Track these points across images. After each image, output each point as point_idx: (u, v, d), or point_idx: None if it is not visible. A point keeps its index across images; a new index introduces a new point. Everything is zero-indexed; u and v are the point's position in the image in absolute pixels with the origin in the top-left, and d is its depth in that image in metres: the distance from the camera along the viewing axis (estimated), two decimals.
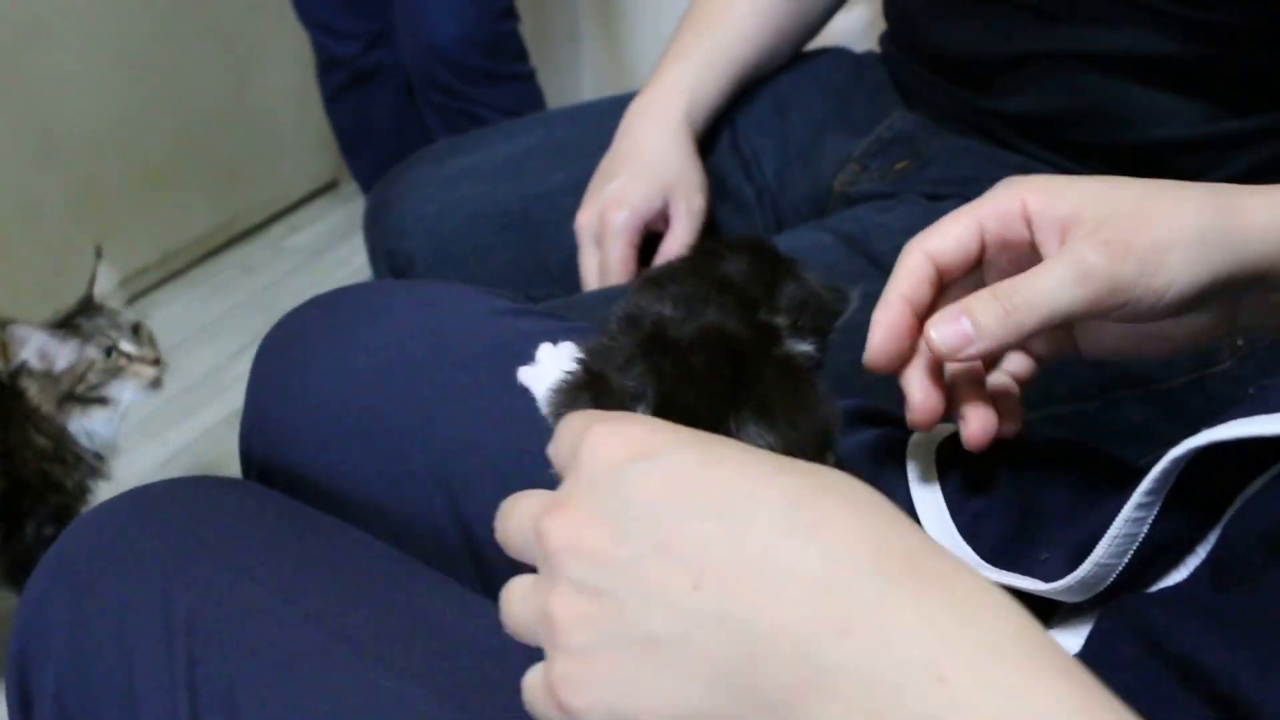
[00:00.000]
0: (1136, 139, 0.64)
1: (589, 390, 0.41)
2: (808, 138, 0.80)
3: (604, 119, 0.81)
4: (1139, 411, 0.62)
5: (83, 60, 1.65)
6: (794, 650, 0.25)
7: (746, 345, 0.42)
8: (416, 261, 0.82)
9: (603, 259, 0.74)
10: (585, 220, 0.75)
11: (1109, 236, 0.37)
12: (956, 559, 0.27)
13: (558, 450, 0.33)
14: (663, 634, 0.27)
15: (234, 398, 1.56)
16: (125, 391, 1.03)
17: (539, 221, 0.81)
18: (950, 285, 0.42)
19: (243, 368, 0.59)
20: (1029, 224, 0.39)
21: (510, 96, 1.60)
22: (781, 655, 0.25)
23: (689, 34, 0.80)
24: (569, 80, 2.12)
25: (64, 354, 1.00)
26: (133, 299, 1.81)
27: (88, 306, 1.04)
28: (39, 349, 0.99)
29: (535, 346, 0.51)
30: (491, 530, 0.49)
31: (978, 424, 0.41)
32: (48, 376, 1.00)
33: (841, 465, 0.42)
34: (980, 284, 0.42)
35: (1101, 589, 0.38)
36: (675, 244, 0.74)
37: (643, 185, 0.73)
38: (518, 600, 0.31)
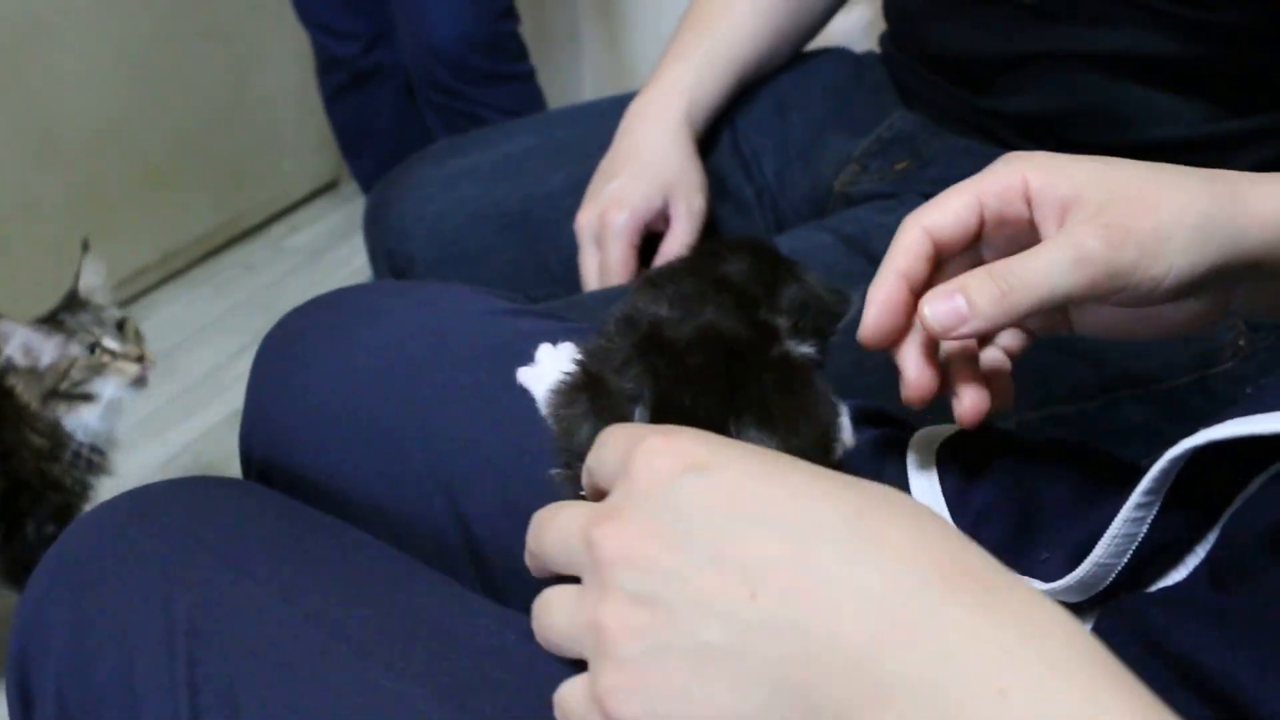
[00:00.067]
0: (1136, 139, 0.64)
1: (587, 391, 0.41)
2: (808, 138, 0.81)
3: (604, 119, 0.81)
4: (1141, 412, 0.62)
5: (83, 60, 1.65)
6: (853, 661, 0.25)
7: (744, 345, 0.42)
8: (417, 262, 0.82)
9: (603, 259, 0.74)
10: (585, 220, 0.75)
11: (1109, 221, 0.37)
12: (1014, 574, 0.27)
13: (601, 461, 0.33)
14: (718, 644, 0.27)
15: (234, 397, 1.56)
16: (108, 388, 1.02)
17: (539, 222, 0.81)
18: (947, 261, 0.41)
19: (243, 367, 0.59)
20: (1029, 203, 0.39)
21: (510, 96, 1.60)
22: (840, 666, 0.25)
23: (689, 34, 0.80)
24: (569, 80, 2.12)
25: (48, 350, 0.99)
26: (133, 298, 1.82)
27: (73, 302, 1.03)
28: (23, 345, 0.99)
29: (535, 347, 0.51)
30: (491, 530, 0.50)
31: (970, 402, 0.41)
32: (32, 373, 0.99)
33: (841, 467, 0.42)
34: (977, 260, 0.42)
35: (1101, 589, 0.38)
36: (675, 244, 0.74)
37: (643, 185, 0.73)
38: (559, 611, 0.31)
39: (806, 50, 0.87)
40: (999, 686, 0.24)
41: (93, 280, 1.05)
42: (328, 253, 2.01)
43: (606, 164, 0.77)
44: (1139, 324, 0.43)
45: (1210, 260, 0.37)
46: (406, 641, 0.40)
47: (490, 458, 0.50)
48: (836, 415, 0.43)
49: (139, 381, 1.04)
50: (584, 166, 0.78)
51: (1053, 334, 0.45)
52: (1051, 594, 0.39)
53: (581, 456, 0.40)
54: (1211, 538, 0.38)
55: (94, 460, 1.05)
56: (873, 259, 0.65)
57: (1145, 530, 0.37)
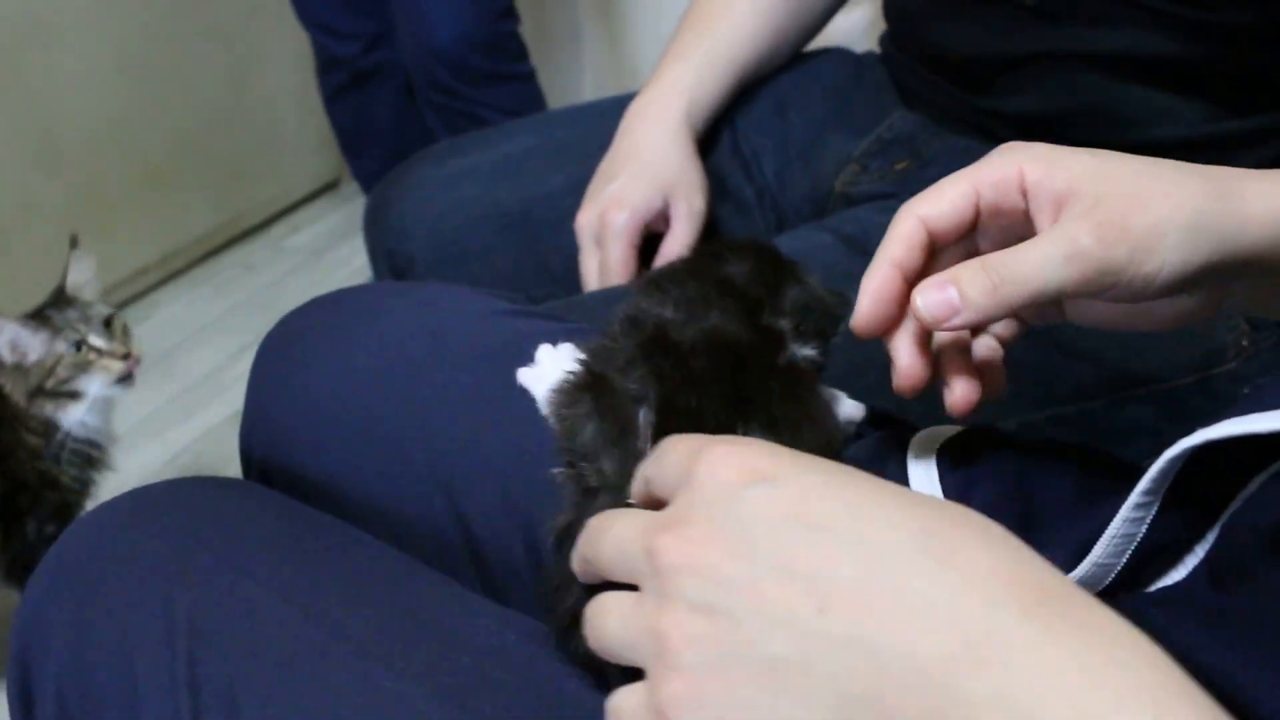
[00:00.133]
0: (1136, 139, 0.64)
1: (590, 391, 0.41)
2: (808, 138, 0.81)
3: (604, 119, 0.81)
4: (1143, 412, 0.61)
5: (83, 61, 1.65)
6: (926, 678, 0.25)
7: (748, 350, 0.42)
8: (417, 262, 0.82)
9: (603, 260, 0.74)
10: (585, 221, 0.75)
11: (1103, 218, 0.36)
12: (1089, 595, 0.26)
13: (662, 471, 0.32)
14: (784, 656, 0.26)
15: (235, 397, 1.56)
16: (94, 385, 1.01)
17: (539, 222, 0.81)
18: (942, 250, 0.41)
19: (244, 367, 0.59)
20: (1025, 195, 0.39)
21: (511, 97, 1.60)
22: (912, 683, 0.25)
23: (689, 34, 0.80)
24: (570, 80, 2.12)
25: (35, 347, 0.99)
26: (134, 298, 1.82)
27: (60, 298, 1.03)
28: (10, 341, 0.98)
29: (535, 347, 0.51)
30: (491, 530, 0.50)
31: (961, 393, 0.41)
32: (19, 370, 0.99)
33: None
34: (973, 249, 0.42)
35: (1100, 589, 0.38)
36: (675, 244, 0.74)
37: (643, 186, 0.73)
38: (615, 617, 0.31)
39: (807, 50, 0.87)
40: (1083, 711, 0.23)
41: (80, 277, 1.04)
42: (328, 252, 2.01)
43: (606, 164, 0.77)
44: (1132, 317, 0.43)
45: (1204, 258, 0.37)
46: (406, 641, 0.40)
47: (490, 458, 0.50)
48: (838, 419, 0.44)
49: (125, 379, 1.03)
50: (584, 167, 0.78)
51: (1045, 323, 0.45)
52: None
53: (583, 456, 0.40)
54: (1211, 538, 0.38)
55: (93, 455, 1.04)
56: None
57: (1144, 530, 0.37)
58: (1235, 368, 0.61)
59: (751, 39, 0.80)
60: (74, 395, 1.01)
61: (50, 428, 1.01)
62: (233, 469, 0.61)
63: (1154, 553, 0.38)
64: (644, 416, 0.40)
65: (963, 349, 0.43)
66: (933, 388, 0.42)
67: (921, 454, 0.47)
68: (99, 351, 1.01)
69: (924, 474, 0.46)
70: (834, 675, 0.26)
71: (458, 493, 0.51)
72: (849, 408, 0.48)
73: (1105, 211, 0.37)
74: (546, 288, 0.80)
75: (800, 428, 0.40)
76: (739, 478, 0.29)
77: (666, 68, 0.79)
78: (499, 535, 0.50)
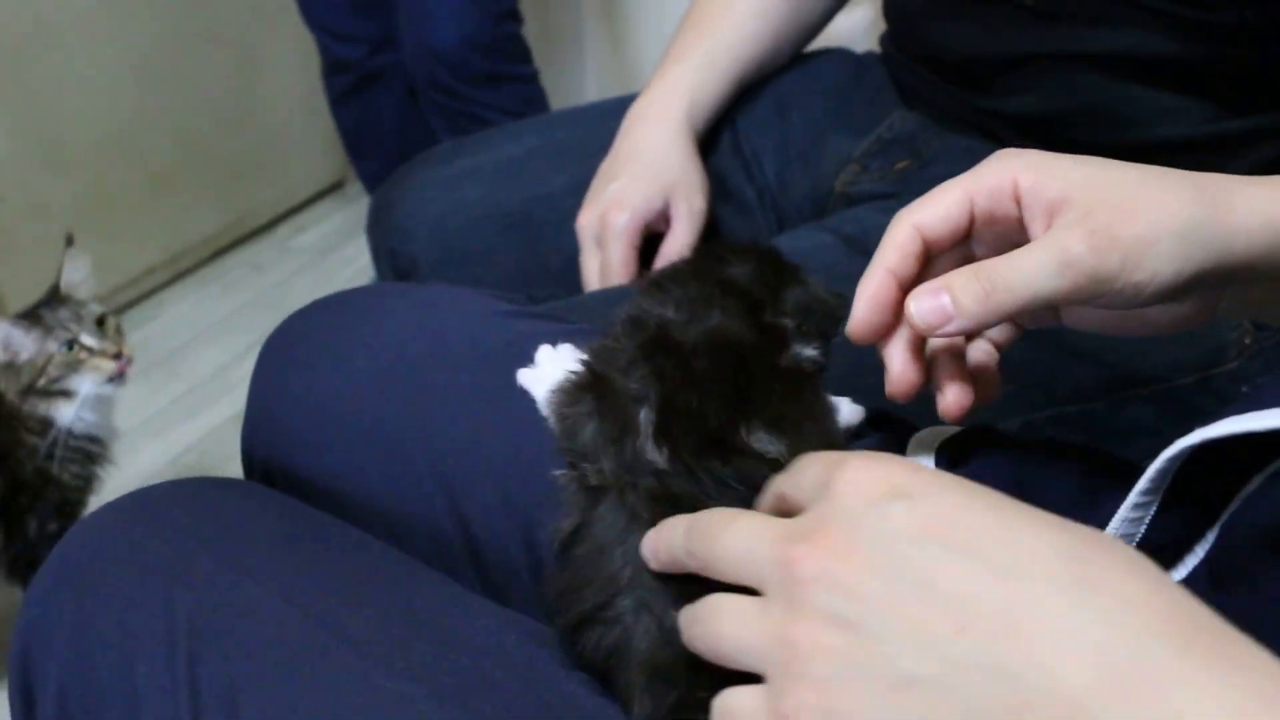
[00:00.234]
0: (1137, 139, 0.64)
1: (591, 391, 0.41)
2: (808, 138, 0.80)
3: (605, 120, 0.81)
4: (1145, 412, 0.61)
5: (90, 65, 1.66)
6: (1070, 710, 0.24)
7: (750, 350, 0.42)
8: (419, 263, 0.82)
9: (604, 260, 0.74)
10: (586, 221, 0.75)
11: (1095, 226, 0.37)
12: (1235, 629, 0.26)
13: (799, 485, 0.32)
14: (918, 674, 0.26)
15: (241, 396, 1.56)
16: (85, 385, 1.01)
17: (541, 223, 0.81)
18: (938, 256, 0.42)
19: (250, 366, 0.59)
20: (1018, 202, 0.39)
21: (513, 98, 1.61)
22: (1054, 714, 0.25)
23: (690, 35, 0.80)
24: (573, 81, 2.12)
25: (27, 345, 0.99)
26: (141, 298, 1.83)
27: (54, 297, 1.03)
28: (4, 339, 0.98)
29: (535, 348, 0.51)
30: (491, 530, 0.50)
31: (954, 398, 0.41)
32: (10, 368, 0.99)
33: None
34: (969, 255, 0.42)
35: None
36: (676, 245, 0.74)
37: (643, 186, 0.73)
38: (733, 621, 0.31)
39: (807, 50, 0.87)
40: None
41: (75, 275, 1.04)
42: (334, 252, 2.02)
43: (607, 165, 0.77)
44: (1126, 322, 0.43)
45: (1196, 266, 0.37)
46: (407, 642, 0.40)
47: (490, 458, 0.50)
48: (838, 421, 0.44)
49: (116, 378, 1.03)
50: (585, 167, 0.78)
51: (1041, 326, 0.45)
52: None
53: (584, 455, 0.40)
54: (1211, 537, 0.38)
55: (93, 451, 1.04)
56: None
57: (1144, 530, 0.37)
58: (1237, 367, 0.61)
59: (752, 39, 0.80)
60: (65, 394, 1.01)
61: (47, 426, 1.01)
62: (237, 468, 0.61)
63: (1154, 552, 0.37)
64: (645, 416, 0.40)
65: (957, 354, 0.43)
66: (931, 390, 0.43)
67: (921, 453, 0.47)
68: (90, 351, 1.01)
69: None
70: (967, 699, 0.25)
71: (458, 493, 0.51)
72: (849, 412, 0.48)
73: (1097, 220, 0.37)
74: (548, 288, 0.80)
75: (802, 427, 0.40)
76: (879, 493, 0.29)
77: (667, 68, 0.79)
78: (499, 535, 0.50)
